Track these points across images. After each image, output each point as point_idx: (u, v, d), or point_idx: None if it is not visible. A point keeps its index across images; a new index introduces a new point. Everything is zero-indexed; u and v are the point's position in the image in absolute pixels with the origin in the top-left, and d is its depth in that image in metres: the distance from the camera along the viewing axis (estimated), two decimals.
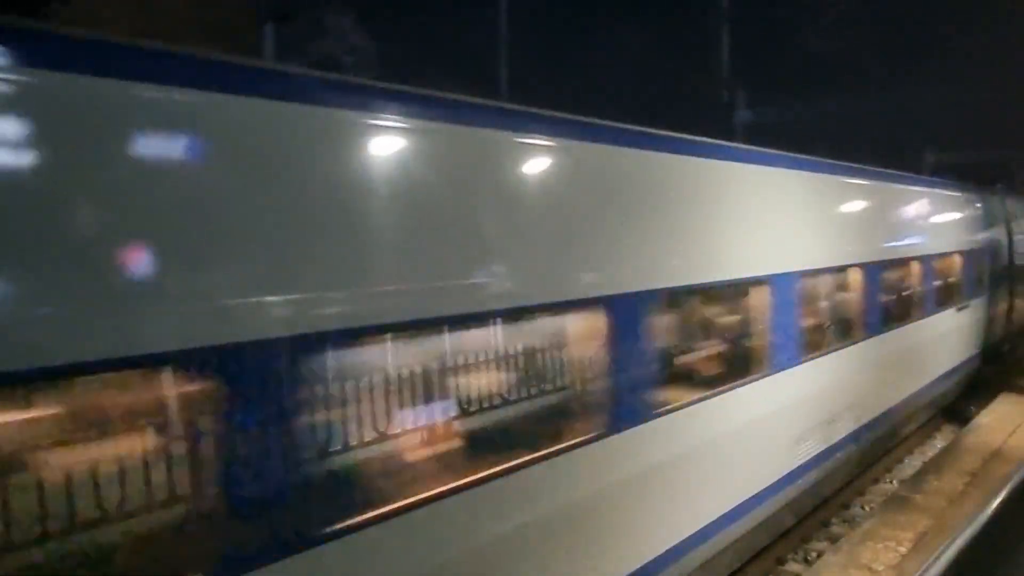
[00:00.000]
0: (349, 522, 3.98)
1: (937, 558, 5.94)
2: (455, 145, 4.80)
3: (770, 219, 8.39)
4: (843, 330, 10.35)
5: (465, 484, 4.67)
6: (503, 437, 6.56)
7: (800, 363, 8.59)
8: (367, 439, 5.72)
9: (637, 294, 6.02)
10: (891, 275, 11.78)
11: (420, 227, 4.51)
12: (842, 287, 10.65)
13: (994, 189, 18.31)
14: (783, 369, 8.22)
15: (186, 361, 3.35)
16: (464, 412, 6.51)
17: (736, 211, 7.78)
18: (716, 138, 8.12)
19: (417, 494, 4.42)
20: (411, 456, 5.80)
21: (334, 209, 4.03)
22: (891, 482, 12.15)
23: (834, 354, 9.69)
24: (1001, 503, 7.27)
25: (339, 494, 4.52)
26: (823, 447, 9.42)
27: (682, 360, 8.02)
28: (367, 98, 4.42)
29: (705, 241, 7.23)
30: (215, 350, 3.39)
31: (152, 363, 3.34)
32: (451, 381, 6.32)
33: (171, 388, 3.69)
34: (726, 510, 7.44)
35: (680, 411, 6.70)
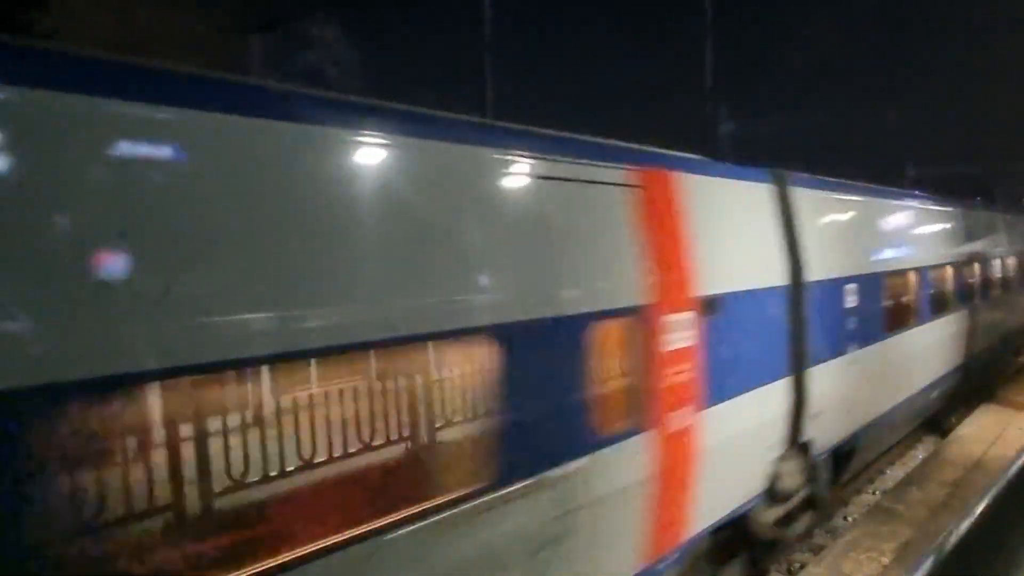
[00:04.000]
0: None
1: (918, 568, 5.97)
2: None
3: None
4: None
5: None
6: None
7: None
8: None
9: None
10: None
11: None
12: None
13: (970, 202, 18.32)
14: None
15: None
16: None
17: None
18: (701, 150, 8.15)
19: None
20: None
21: None
22: (873, 493, 12.21)
23: None
24: (982, 513, 7.32)
25: None
26: None
27: None
28: None
29: None
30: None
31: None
32: None
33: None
34: None
35: None
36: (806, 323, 8.55)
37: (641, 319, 6.12)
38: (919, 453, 14.30)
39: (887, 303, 11.43)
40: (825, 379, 8.99)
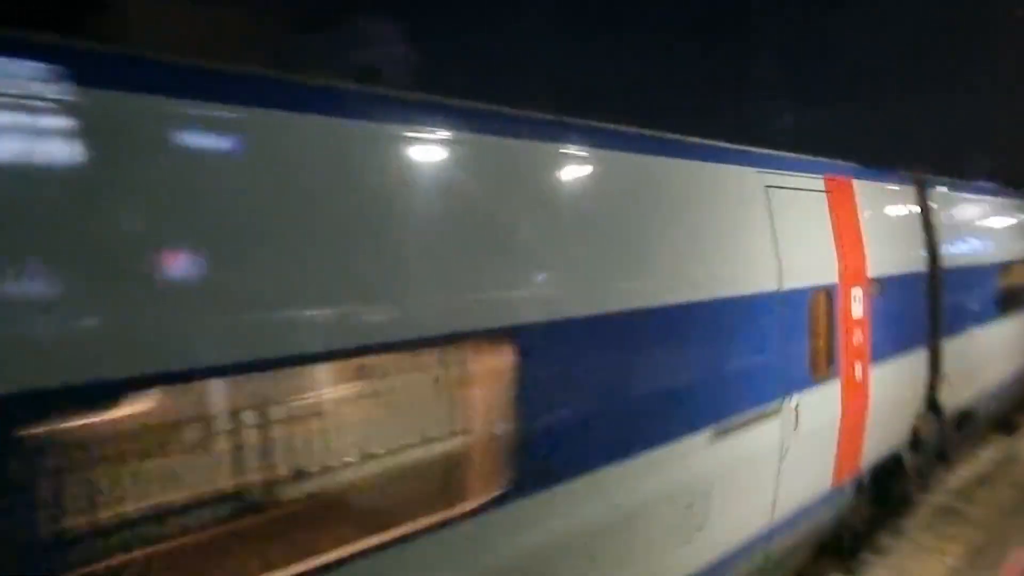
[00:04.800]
0: None
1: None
2: None
3: None
4: None
5: None
6: None
7: None
8: None
9: None
10: None
11: None
12: None
13: None
14: None
15: None
16: None
17: None
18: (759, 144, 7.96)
19: None
20: None
21: None
22: (941, 493, 11.86)
23: None
24: None
25: None
26: None
27: None
28: None
29: None
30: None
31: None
32: None
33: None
34: None
35: None
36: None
37: None
38: (988, 453, 13.83)
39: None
40: None
